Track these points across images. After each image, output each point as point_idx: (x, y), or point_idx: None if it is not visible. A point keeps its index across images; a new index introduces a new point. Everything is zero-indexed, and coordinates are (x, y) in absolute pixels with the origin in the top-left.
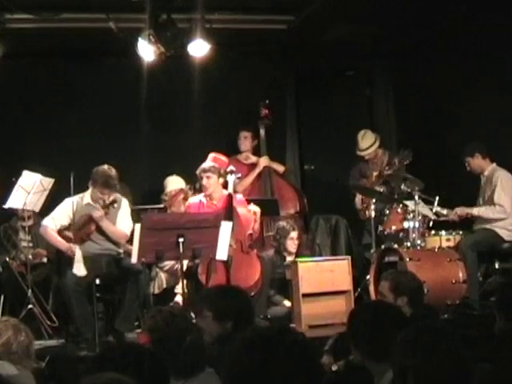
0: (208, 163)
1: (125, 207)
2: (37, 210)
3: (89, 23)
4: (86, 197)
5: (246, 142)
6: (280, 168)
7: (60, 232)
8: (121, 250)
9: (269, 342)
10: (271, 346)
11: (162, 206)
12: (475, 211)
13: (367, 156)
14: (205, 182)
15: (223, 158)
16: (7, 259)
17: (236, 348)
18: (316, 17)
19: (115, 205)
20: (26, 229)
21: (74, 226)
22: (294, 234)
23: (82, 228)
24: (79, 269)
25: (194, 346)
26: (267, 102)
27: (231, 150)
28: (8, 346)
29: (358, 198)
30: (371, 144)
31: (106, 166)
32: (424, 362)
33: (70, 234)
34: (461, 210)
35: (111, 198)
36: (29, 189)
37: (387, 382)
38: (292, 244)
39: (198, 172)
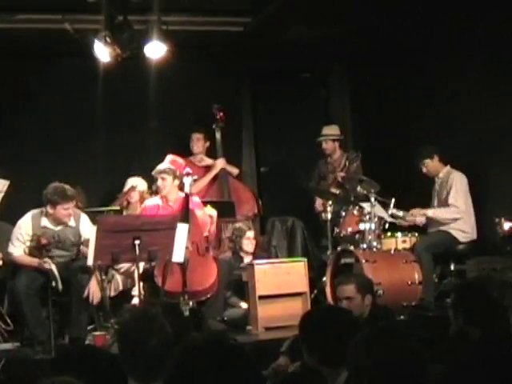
0: (163, 165)
1: (84, 221)
2: None
3: (44, 24)
4: (43, 219)
5: (198, 143)
6: (234, 170)
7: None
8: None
9: (201, 352)
10: (203, 356)
11: (118, 208)
12: (430, 212)
13: (324, 144)
14: (160, 183)
15: (180, 160)
16: None
17: (173, 359)
18: (272, 19)
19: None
20: None
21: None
22: (250, 234)
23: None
24: (60, 283)
25: (158, 349)
26: (219, 105)
27: (186, 152)
28: None
29: (318, 200)
30: (333, 133)
31: (56, 183)
32: (379, 362)
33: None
34: (416, 211)
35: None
36: None
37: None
38: (249, 244)
39: (153, 173)
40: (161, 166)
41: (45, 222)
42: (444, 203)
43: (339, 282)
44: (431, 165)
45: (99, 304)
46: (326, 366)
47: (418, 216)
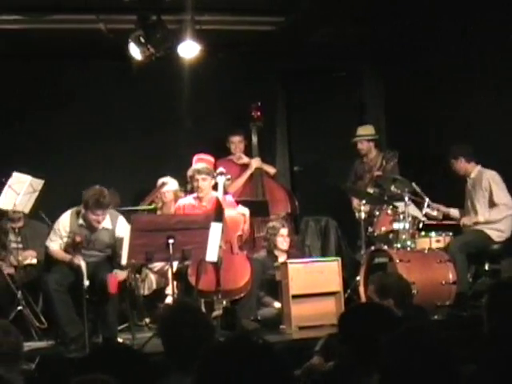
0: (201, 165)
1: (121, 224)
2: (26, 211)
3: (78, 24)
4: (80, 219)
5: (237, 143)
6: (271, 170)
7: (65, 246)
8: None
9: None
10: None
11: (152, 207)
12: (481, 218)
13: (359, 144)
14: (200, 184)
15: (210, 159)
16: None
17: (201, 358)
18: (305, 18)
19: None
20: (16, 230)
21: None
22: (284, 232)
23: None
24: (84, 278)
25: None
26: (259, 103)
27: (221, 152)
28: None
29: (356, 200)
30: (368, 133)
31: (96, 187)
32: (409, 362)
33: (71, 248)
34: (467, 220)
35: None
36: (19, 190)
37: (376, 382)
38: (283, 241)
39: (190, 173)
40: (199, 167)
41: (82, 221)
42: (490, 204)
43: (368, 282)
44: (457, 165)
45: (133, 303)
46: (363, 361)
47: (469, 225)
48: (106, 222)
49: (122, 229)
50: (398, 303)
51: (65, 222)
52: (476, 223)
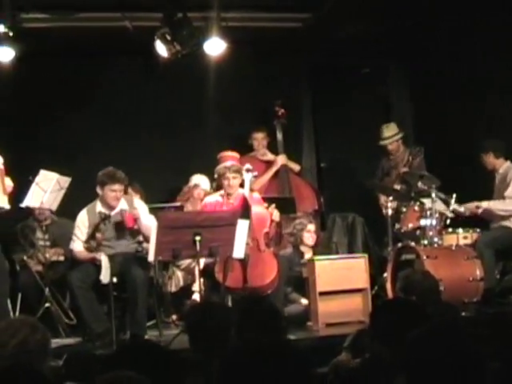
0: (232, 163)
1: (139, 205)
2: (54, 208)
3: (104, 22)
4: (97, 205)
5: (261, 141)
6: (296, 167)
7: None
8: (141, 248)
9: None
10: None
11: (178, 204)
12: (484, 204)
13: (389, 146)
14: (231, 182)
15: (236, 155)
16: (24, 258)
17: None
18: (331, 14)
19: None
20: (43, 228)
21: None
22: (311, 227)
23: (91, 239)
24: (105, 276)
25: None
26: (281, 101)
27: (246, 149)
28: (25, 345)
29: (383, 196)
30: (394, 134)
31: (108, 168)
32: (434, 360)
33: (94, 243)
34: (470, 205)
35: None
36: (46, 188)
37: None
38: (309, 237)
39: (220, 171)
40: (231, 164)
41: (99, 207)
42: (500, 196)
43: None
44: (486, 160)
45: (160, 300)
46: (390, 361)
47: (472, 210)
48: (122, 204)
49: (139, 205)
50: (422, 301)
51: (83, 218)
52: (477, 207)
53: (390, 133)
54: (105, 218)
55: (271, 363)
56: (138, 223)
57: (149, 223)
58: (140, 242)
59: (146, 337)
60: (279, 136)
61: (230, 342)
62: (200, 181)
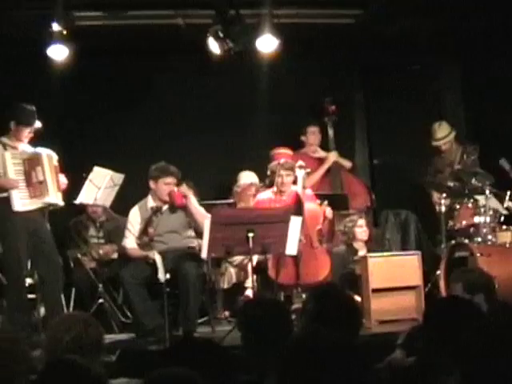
0: (285, 160)
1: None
2: (107, 205)
3: (157, 20)
4: (149, 201)
5: (313, 136)
6: (347, 164)
7: (140, 238)
8: (194, 244)
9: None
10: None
11: (231, 201)
12: None
13: (443, 146)
14: (285, 179)
15: (289, 152)
16: (78, 255)
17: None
18: (383, 10)
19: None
20: (97, 224)
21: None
22: (362, 222)
23: (143, 234)
24: (162, 273)
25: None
26: (332, 98)
27: (298, 146)
28: (78, 340)
29: (436, 193)
30: (447, 134)
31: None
32: (490, 358)
33: (146, 238)
34: None
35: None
36: (99, 184)
37: (458, 380)
38: (362, 232)
39: (274, 168)
40: (285, 162)
41: (151, 202)
42: None
43: (451, 280)
44: None
45: (213, 296)
46: (445, 360)
47: None
48: None
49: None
50: (488, 298)
51: (135, 214)
52: None
53: (443, 133)
54: (157, 210)
55: (333, 358)
56: (188, 202)
57: (202, 211)
58: (191, 237)
59: (198, 333)
60: (330, 133)
61: (285, 338)
62: (251, 178)
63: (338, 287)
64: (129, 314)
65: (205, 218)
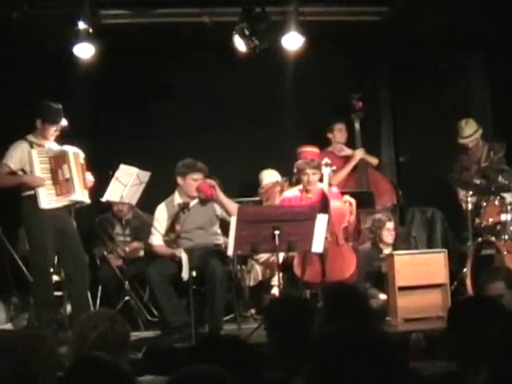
0: (312, 158)
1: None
2: (133, 203)
3: (182, 18)
4: (176, 198)
5: (339, 134)
6: (374, 161)
7: (167, 235)
8: (220, 241)
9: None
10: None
11: (257, 198)
12: None
13: (470, 144)
14: (311, 178)
15: (316, 151)
16: (105, 253)
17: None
18: (410, 8)
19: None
20: (123, 222)
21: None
22: (390, 225)
23: (170, 231)
24: (186, 272)
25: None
26: (360, 94)
27: (324, 143)
28: (105, 337)
29: (462, 191)
30: (474, 131)
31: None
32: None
33: (173, 235)
34: None
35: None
36: (125, 182)
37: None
38: (388, 235)
39: (300, 167)
40: (309, 160)
41: (178, 199)
42: None
43: (487, 280)
44: None
45: (239, 294)
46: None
47: None
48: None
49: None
50: None
51: (161, 210)
52: None
53: (470, 131)
54: (184, 207)
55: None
56: (218, 192)
57: (232, 201)
58: (218, 234)
59: (224, 331)
60: (357, 129)
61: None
62: (273, 177)
63: (350, 286)
64: (155, 311)
65: (235, 208)
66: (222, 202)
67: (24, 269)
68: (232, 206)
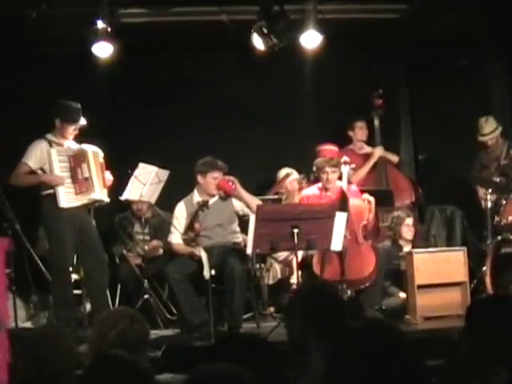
0: (331, 156)
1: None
2: (153, 201)
3: (201, 16)
4: (195, 196)
5: (360, 131)
6: (394, 158)
7: (186, 234)
8: (238, 240)
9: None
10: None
11: (276, 196)
12: None
13: (490, 142)
14: (330, 176)
15: (335, 149)
16: (124, 252)
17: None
18: (428, 5)
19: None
20: (142, 221)
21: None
22: (409, 221)
23: (189, 230)
24: (207, 271)
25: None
26: (381, 91)
27: (344, 141)
28: (124, 335)
29: (482, 189)
30: (494, 129)
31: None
32: None
33: (192, 233)
34: None
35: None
36: (144, 180)
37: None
38: (408, 231)
39: (319, 165)
40: (328, 158)
41: (197, 197)
42: None
43: (511, 280)
44: None
45: (258, 292)
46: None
47: None
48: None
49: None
50: None
51: (180, 208)
52: None
53: (490, 128)
54: (203, 205)
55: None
56: (238, 187)
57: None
58: (236, 232)
59: (243, 329)
60: (377, 127)
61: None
62: (292, 172)
63: (321, 284)
64: (174, 309)
65: (256, 203)
66: (243, 197)
67: (43, 268)
68: (253, 200)
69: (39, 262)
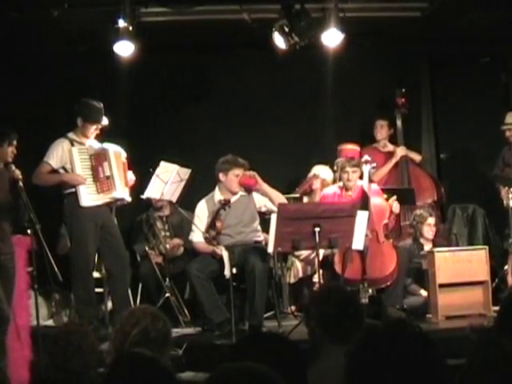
0: (352, 156)
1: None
2: (174, 200)
3: (222, 15)
4: (216, 194)
5: (382, 130)
6: (417, 157)
7: (207, 232)
8: (260, 238)
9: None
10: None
11: (297, 195)
12: None
13: (508, 132)
14: (351, 176)
15: (356, 148)
16: (146, 249)
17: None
18: (450, 3)
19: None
20: (164, 219)
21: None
22: (431, 220)
23: (210, 228)
24: (228, 270)
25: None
26: (403, 90)
27: (367, 140)
28: (146, 334)
29: (504, 188)
30: None
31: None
32: None
33: (213, 232)
34: None
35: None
36: (166, 179)
37: None
38: (429, 230)
39: (340, 164)
40: (349, 158)
41: (218, 196)
42: None
43: None
44: None
45: (279, 290)
46: None
47: None
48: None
49: (259, 195)
50: None
51: (202, 207)
52: None
53: (510, 120)
54: (225, 203)
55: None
56: (260, 182)
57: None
58: (258, 230)
59: (264, 327)
60: (399, 126)
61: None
62: (320, 171)
63: (339, 288)
64: (195, 308)
65: (280, 197)
66: (266, 191)
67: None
68: (276, 194)
69: (53, 261)
